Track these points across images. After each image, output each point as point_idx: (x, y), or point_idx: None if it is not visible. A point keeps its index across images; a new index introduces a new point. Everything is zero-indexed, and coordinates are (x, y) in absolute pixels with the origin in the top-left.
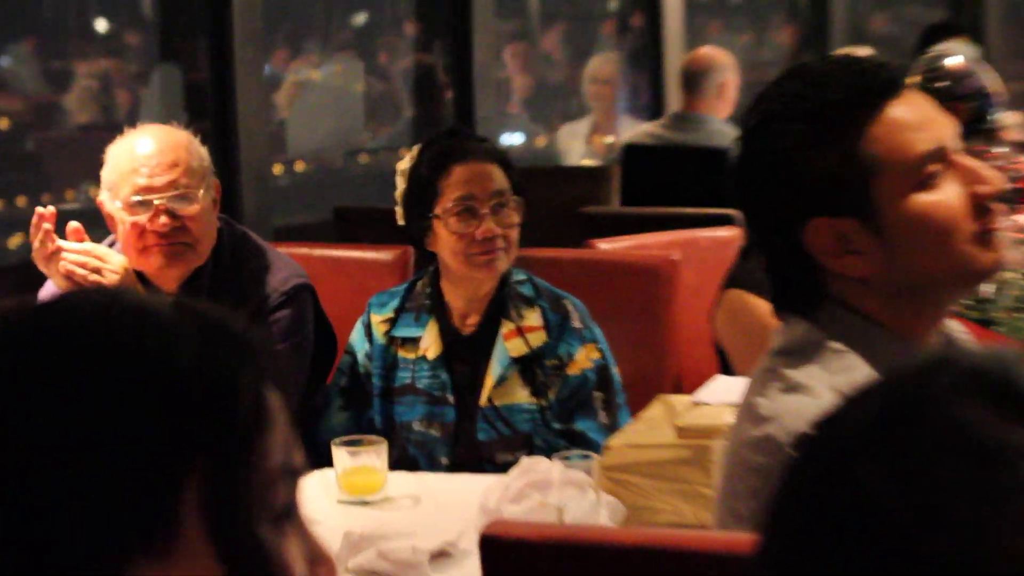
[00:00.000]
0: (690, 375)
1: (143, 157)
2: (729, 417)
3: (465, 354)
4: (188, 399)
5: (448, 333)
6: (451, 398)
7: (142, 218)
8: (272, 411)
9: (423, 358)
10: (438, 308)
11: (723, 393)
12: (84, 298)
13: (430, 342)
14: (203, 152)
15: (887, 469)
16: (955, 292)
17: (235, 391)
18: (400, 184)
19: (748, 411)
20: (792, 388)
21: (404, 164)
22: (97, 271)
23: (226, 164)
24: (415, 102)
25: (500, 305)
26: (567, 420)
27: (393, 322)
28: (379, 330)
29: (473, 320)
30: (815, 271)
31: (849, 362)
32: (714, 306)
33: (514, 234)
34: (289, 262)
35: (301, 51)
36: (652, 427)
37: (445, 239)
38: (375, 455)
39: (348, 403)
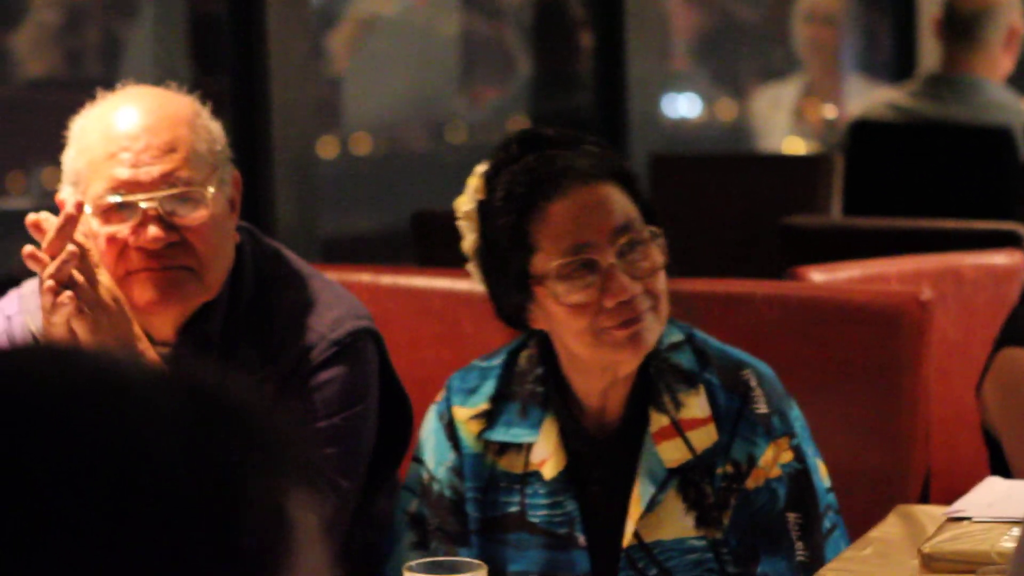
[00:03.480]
0: (945, 474)
1: (124, 136)
2: (1006, 542)
3: (600, 468)
4: (167, 523)
5: (575, 437)
6: (581, 538)
7: (122, 228)
8: (298, 532)
9: (536, 476)
10: (557, 399)
11: (995, 504)
12: (18, 366)
13: (548, 452)
14: (215, 128)
15: None
16: None
17: (239, 507)
18: (467, 234)
19: None
20: None
21: (466, 202)
22: (89, 292)
23: (251, 146)
24: (536, 51)
25: (646, 388)
26: (746, 560)
27: (490, 418)
28: (468, 430)
29: (612, 415)
30: None
31: None
32: (984, 372)
33: (660, 282)
34: (343, 295)
35: None
36: (885, 554)
37: (558, 316)
38: None
39: (424, 539)
